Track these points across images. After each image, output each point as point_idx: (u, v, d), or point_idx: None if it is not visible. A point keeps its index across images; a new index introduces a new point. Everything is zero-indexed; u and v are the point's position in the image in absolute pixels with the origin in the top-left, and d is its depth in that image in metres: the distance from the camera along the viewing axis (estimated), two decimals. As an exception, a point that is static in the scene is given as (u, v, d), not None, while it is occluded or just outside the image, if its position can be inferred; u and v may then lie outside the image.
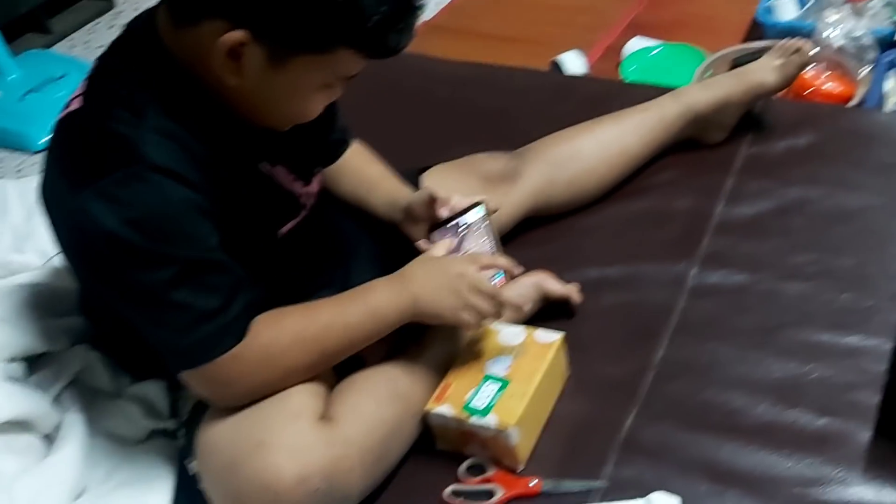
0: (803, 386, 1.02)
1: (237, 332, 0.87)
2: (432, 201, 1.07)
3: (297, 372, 0.92)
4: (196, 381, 0.89)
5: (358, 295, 0.96)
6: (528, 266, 1.20)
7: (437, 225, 1.08)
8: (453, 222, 1.08)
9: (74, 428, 0.98)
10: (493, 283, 1.00)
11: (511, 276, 1.04)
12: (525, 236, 1.30)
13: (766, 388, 1.02)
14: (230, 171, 0.92)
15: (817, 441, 0.95)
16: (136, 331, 0.89)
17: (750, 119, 1.41)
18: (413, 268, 0.98)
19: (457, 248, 1.05)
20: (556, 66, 1.88)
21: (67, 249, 0.93)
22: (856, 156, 1.34)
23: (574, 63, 1.87)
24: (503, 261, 1.03)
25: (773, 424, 0.98)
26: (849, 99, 1.64)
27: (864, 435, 0.94)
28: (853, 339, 1.06)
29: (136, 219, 0.82)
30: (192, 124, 0.87)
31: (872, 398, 0.98)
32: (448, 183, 1.16)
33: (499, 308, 0.98)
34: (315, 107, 0.92)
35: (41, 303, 1.09)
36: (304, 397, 0.92)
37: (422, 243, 1.07)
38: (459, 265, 0.97)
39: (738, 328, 1.11)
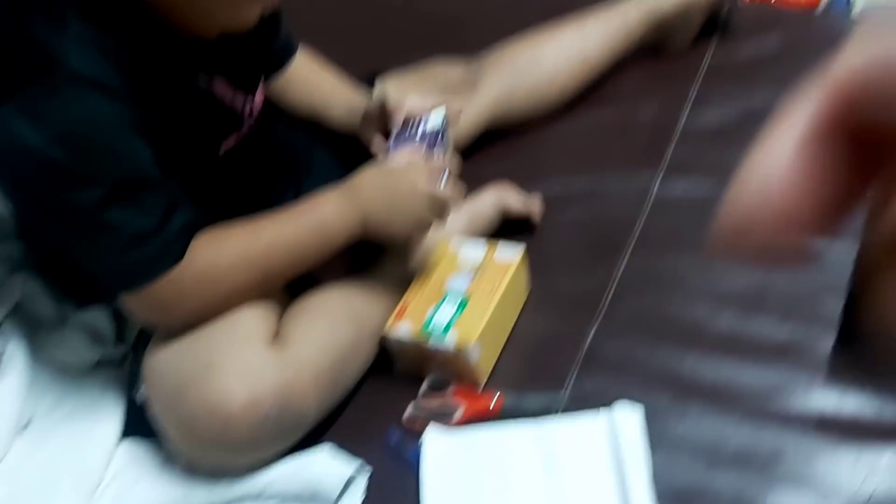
0: (767, 295, 1.00)
1: (174, 254, 0.83)
2: (384, 109, 1.02)
3: (240, 293, 0.88)
4: (134, 304, 0.85)
5: (304, 211, 0.92)
6: (489, 180, 1.17)
7: (397, 131, 1.04)
8: (413, 129, 1.03)
9: (16, 358, 0.94)
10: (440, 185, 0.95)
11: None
12: (485, 150, 1.25)
13: (730, 298, 1.01)
14: (163, 84, 0.85)
15: (780, 350, 0.94)
16: (69, 254, 0.84)
17: (715, 24, 1.36)
18: (362, 181, 0.93)
19: (411, 145, 1.00)
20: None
21: None
22: (822, 61, 1.30)
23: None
24: (451, 163, 0.98)
25: (736, 335, 0.97)
26: (815, 5, 1.59)
27: (827, 343, 0.93)
28: (818, 246, 1.04)
29: (61, 135, 0.75)
30: (120, 32, 0.80)
31: (836, 304, 0.97)
32: (405, 91, 1.10)
33: (446, 214, 0.95)
34: (249, 13, 0.86)
35: (-26, 229, 1.03)
36: (253, 319, 0.88)
37: (379, 151, 1.03)
38: (410, 178, 0.93)
39: (702, 239, 1.08)
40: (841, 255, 1.02)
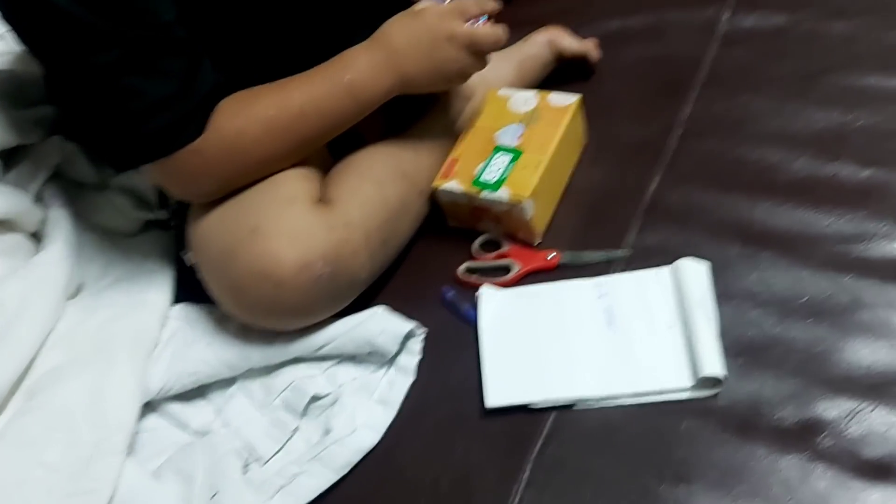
0: (846, 136, 0.92)
1: (197, 124, 0.77)
2: None
3: (271, 161, 0.83)
4: (159, 175, 0.81)
5: (335, 71, 0.84)
6: (540, 21, 1.09)
7: None
8: None
9: (61, 224, 0.92)
10: (477, 25, 0.87)
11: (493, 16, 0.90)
12: (534, -13, 1.16)
13: (805, 140, 0.93)
14: None
15: (860, 194, 0.87)
16: (92, 120, 0.79)
17: None
18: (393, 32, 0.85)
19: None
20: None
21: (15, 28, 0.82)
22: None
23: None
24: (491, 4, 0.89)
25: (812, 179, 0.90)
26: None
27: (912, 186, 0.86)
28: (902, 84, 0.95)
29: None
30: None
31: (923, 145, 0.89)
32: None
33: (488, 57, 0.88)
34: None
35: (5, 91, 0.99)
36: (297, 180, 0.84)
37: None
38: (444, 24, 0.84)
39: (775, 76, 1.00)
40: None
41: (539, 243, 0.94)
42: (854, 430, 0.72)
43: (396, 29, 0.85)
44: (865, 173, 0.89)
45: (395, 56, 0.84)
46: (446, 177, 0.93)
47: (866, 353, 0.76)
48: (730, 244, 0.87)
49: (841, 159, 0.90)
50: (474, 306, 0.89)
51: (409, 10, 0.87)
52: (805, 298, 0.81)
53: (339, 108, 0.84)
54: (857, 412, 0.73)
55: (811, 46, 1.02)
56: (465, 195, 0.92)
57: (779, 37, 1.04)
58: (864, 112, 0.93)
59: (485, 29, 0.86)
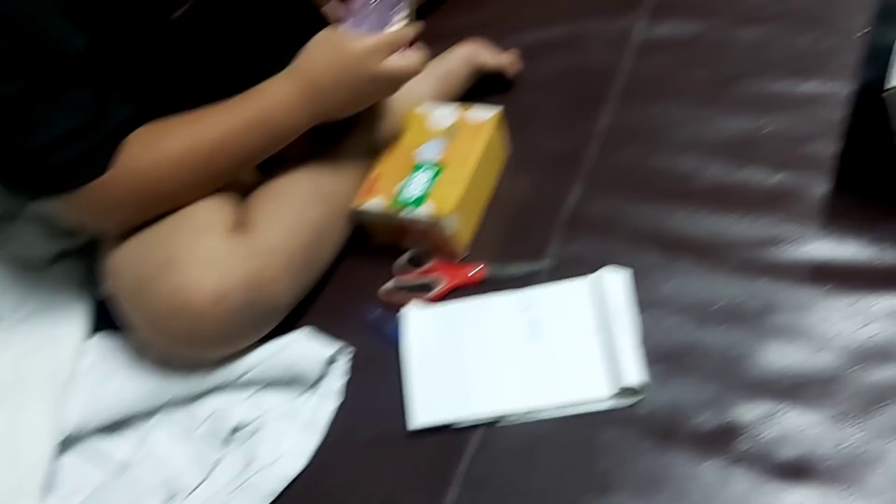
0: (758, 141, 0.94)
1: (104, 158, 0.76)
2: None
3: (185, 195, 0.82)
4: (66, 209, 0.79)
5: (253, 104, 0.83)
6: (459, 35, 1.09)
7: None
8: None
9: (-30, 257, 0.89)
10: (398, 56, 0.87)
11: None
12: (453, 2, 1.16)
13: (719, 147, 0.95)
14: None
15: (772, 199, 0.89)
16: None
17: None
18: (315, 69, 0.84)
19: (372, 20, 0.91)
20: None
21: None
22: None
23: None
24: (410, 32, 0.88)
25: (726, 186, 0.92)
26: None
27: (821, 188, 0.89)
28: (810, 86, 0.97)
29: None
30: None
31: (829, 148, 0.91)
32: None
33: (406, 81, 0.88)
34: None
35: None
36: (212, 208, 0.83)
37: (330, 7, 0.94)
38: (370, 65, 0.83)
39: (689, 84, 1.02)
40: (834, 95, 0.96)
41: (463, 258, 0.94)
42: (770, 432, 0.74)
43: (318, 66, 0.84)
44: (776, 178, 0.91)
45: (316, 92, 0.83)
46: (368, 195, 0.93)
47: (780, 356, 0.78)
48: (648, 252, 0.88)
49: (752, 165, 0.92)
50: (398, 325, 0.88)
51: (328, 39, 0.85)
52: (720, 304, 0.83)
53: (256, 142, 0.83)
54: (773, 414, 0.75)
55: (723, 53, 1.04)
56: (386, 213, 0.92)
57: (692, 45, 1.06)
58: (774, 117, 0.96)
59: (404, 62, 0.85)
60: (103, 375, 0.86)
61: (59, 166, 0.74)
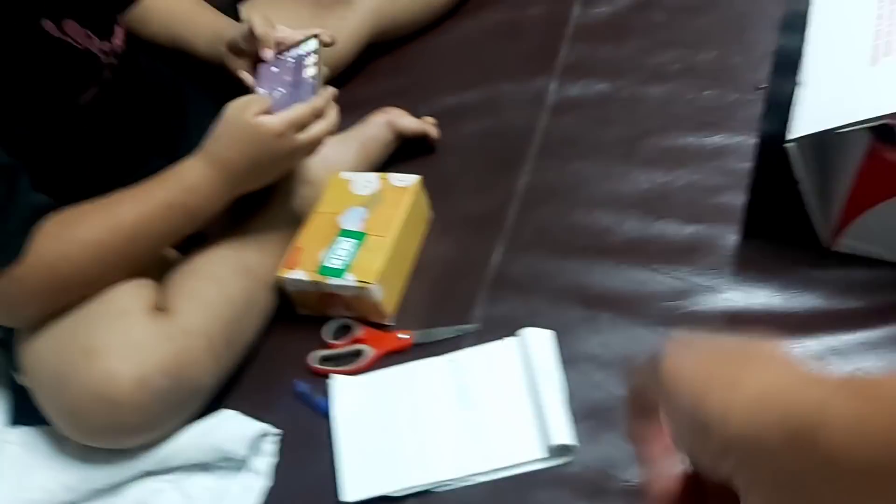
0: (670, 195, 0.97)
1: (13, 249, 0.74)
2: (252, 36, 0.93)
3: (99, 284, 0.81)
4: None
5: (167, 189, 0.82)
6: (377, 102, 1.11)
7: (266, 64, 0.95)
8: (282, 56, 0.95)
9: None
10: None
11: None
12: (370, 67, 1.18)
13: (633, 202, 0.98)
14: (5, 38, 0.75)
15: (686, 251, 0.92)
16: None
17: None
18: (230, 154, 0.83)
19: (285, 84, 0.92)
20: None
21: None
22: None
23: None
24: (320, 102, 0.87)
25: (642, 239, 0.94)
26: None
27: (732, 238, 0.92)
28: (717, 139, 1.01)
29: None
30: None
31: (738, 199, 0.95)
32: (274, 11, 1.01)
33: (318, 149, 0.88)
34: None
35: None
36: (129, 292, 0.81)
37: (244, 76, 0.94)
38: (286, 143, 0.83)
39: (602, 142, 1.05)
40: (739, 147, 1.00)
41: (390, 325, 0.94)
42: (697, 483, 0.75)
43: (231, 149, 0.83)
44: (689, 230, 0.94)
45: (231, 172, 0.83)
46: (291, 266, 0.93)
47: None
48: (571, 309, 0.90)
49: (666, 217, 0.95)
50: (327, 397, 0.88)
51: (238, 120, 0.84)
52: (645, 357, 0.84)
53: (173, 226, 0.83)
54: (699, 465, 0.76)
55: (633, 111, 1.07)
56: (311, 283, 0.92)
57: (603, 103, 1.09)
58: (684, 171, 0.99)
59: (318, 130, 0.85)
60: (23, 469, 0.83)
61: None
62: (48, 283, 0.77)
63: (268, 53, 0.93)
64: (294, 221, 0.97)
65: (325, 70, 0.91)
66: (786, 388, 0.30)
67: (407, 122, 1.08)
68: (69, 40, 0.83)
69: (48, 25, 0.81)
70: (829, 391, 0.28)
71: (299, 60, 0.92)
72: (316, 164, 1.01)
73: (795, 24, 1.02)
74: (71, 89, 0.85)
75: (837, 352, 0.81)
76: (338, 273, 0.90)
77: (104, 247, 0.79)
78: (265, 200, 0.97)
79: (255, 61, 0.96)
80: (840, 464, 0.26)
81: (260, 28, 0.93)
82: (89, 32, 0.86)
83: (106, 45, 0.88)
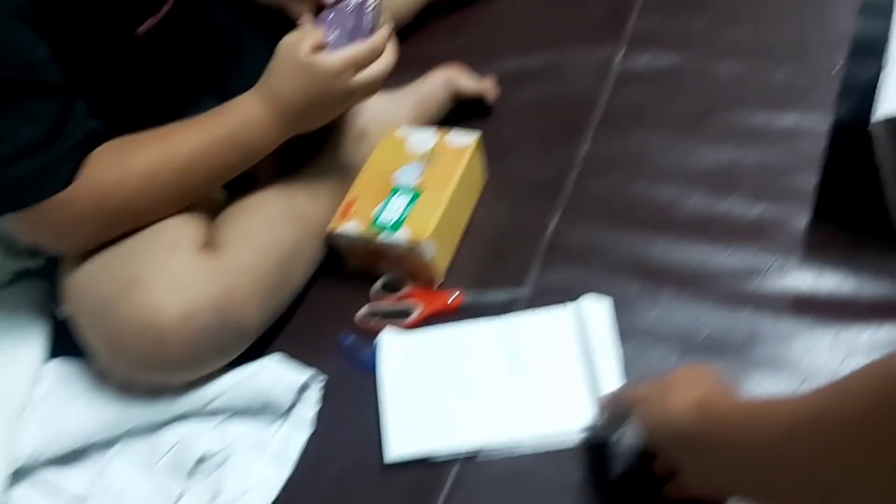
0: (738, 173, 0.94)
1: (66, 173, 0.72)
2: None
3: (151, 214, 0.79)
4: (24, 225, 0.75)
5: (223, 122, 0.80)
6: (438, 61, 1.08)
7: (327, 8, 0.93)
8: (342, 2, 0.92)
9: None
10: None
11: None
12: (432, 26, 1.16)
13: (699, 177, 0.94)
14: None
15: (753, 230, 0.88)
16: None
17: None
18: (286, 90, 0.80)
19: (344, 28, 0.89)
20: None
21: None
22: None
23: None
24: (379, 42, 0.84)
25: (707, 216, 0.91)
26: None
27: (802, 220, 0.88)
28: (789, 120, 0.97)
29: None
30: None
31: (810, 181, 0.91)
32: None
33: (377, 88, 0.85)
34: None
35: None
36: (180, 226, 0.79)
37: (305, 21, 0.92)
38: (343, 84, 0.80)
39: (668, 115, 1.01)
40: (812, 128, 0.96)
41: (440, 284, 0.91)
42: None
43: (288, 86, 0.80)
44: (757, 209, 0.90)
45: (287, 110, 0.81)
46: (343, 218, 0.90)
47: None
48: (630, 281, 0.87)
49: (733, 196, 0.92)
50: (374, 353, 0.85)
51: (296, 57, 0.81)
52: (704, 334, 0.81)
53: (227, 161, 0.81)
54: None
55: (702, 85, 1.04)
56: (363, 238, 0.89)
57: (671, 76, 1.05)
58: (753, 149, 0.95)
59: (375, 72, 0.82)
60: (60, 402, 0.81)
61: (17, 179, 0.71)
62: (99, 211, 0.75)
63: None
64: (347, 173, 0.94)
65: (385, 14, 0.88)
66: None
67: (466, 81, 1.05)
68: None
69: None
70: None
71: (360, 4, 0.90)
72: (371, 117, 0.99)
73: (876, 9, 0.99)
74: (128, 20, 0.83)
75: (909, 342, 0.78)
76: (390, 228, 0.88)
77: (158, 177, 0.77)
78: (318, 149, 0.95)
79: (317, 7, 0.93)
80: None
81: None
82: None
83: None
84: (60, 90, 0.72)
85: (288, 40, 0.81)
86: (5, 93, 0.68)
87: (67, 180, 0.73)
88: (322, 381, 0.84)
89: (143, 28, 0.84)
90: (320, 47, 0.81)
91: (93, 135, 0.75)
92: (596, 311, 0.83)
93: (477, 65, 1.08)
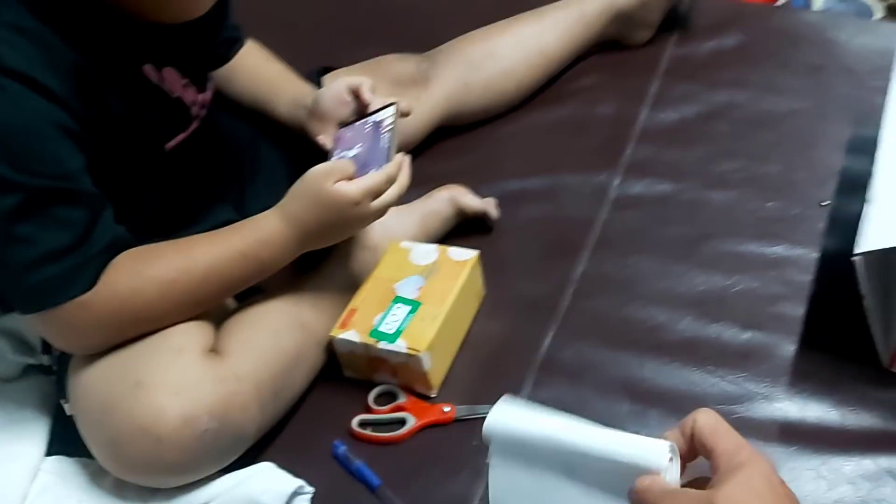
0: (727, 299, 0.97)
1: (88, 278, 0.76)
2: (340, 98, 0.97)
3: (165, 321, 0.82)
4: (42, 326, 0.79)
5: (243, 239, 0.84)
6: (443, 179, 1.13)
7: (343, 123, 0.99)
8: (361, 121, 0.98)
9: (-68, 369, 0.87)
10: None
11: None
12: (439, 147, 1.21)
13: (690, 302, 0.97)
14: (107, 78, 0.79)
15: (741, 356, 0.91)
16: None
17: (675, 17, 1.33)
18: (306, 216, 0.85)
19: (361, 147, 0.94)
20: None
21: None
22: (783, 57, 1.28)
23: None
24: (393, 171, 0.89)
25: (697, 340, 0.94)
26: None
27: (789, 348, 0.91)
28: (778, 249, 1.01)
29: None
30: (61, 22, 0.75)
31: (798, 309, 0.94)
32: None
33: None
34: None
35: None
36: (187, 331, 0.82)
37: (323, 139, 0.97)
38: (360, 211, 0.85)
39: (662, 240, 1.06)
40: (801, 258, 1.00)
41: (435, 396, 0.93)
42: None
43: (307, 211, 0.84)
44: (745, 335, 0.93)
45: (305, 232, 0.85)
46: (344, 326, 0.93)
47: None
48: (619, 402, 0.89)
49: (723, 321, 0.95)
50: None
51: (317, 184, 0.84)
52: (691, 458, 0.82)
53: (242, 274, 0.85)
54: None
55: (694, 213, 1.08)
56: (362, 345, 0.92)
57: (665, 203, 1.10)
58: (743, 277, 0.99)
59: (388, 199, 0.87)
60: (55, 499, 0.82)
61: (42, 282, 0.74)
62: (117, 315, 0.78)
63: (365, 94, 0.96)
64: (351, 283, 0.98)
65: (399, 137, 0.93)
66: None
67: (469, 199, 1.10)
68: (165, 87, 0.87)
69: (148, 70, 0.85)
70: None
71: (377, 125, 0.95)
72: (377, 231, 1.03)
73: (862, 146, 1.04)
74: (161, 135, 0.88)
75: (893, 474, 0.79)
76: (390, 338, 0.91)
77: (176, 286, 0.80)
78: (324, 259, 0.99)
79: (338, 125, 0.99)
80: None
81: (356, 81, 0.96)
82: (188, 82, 0.90)
83: (199, 97, 0.92)
84: (92, 198, 0.77)
85: (317, 171, 0.86)
86: (41, 200, 0.73)
87: (90, 284, 0.76)
88: (311, 491, 0.84)
89: (172, 143, 0.89)
90: (347, 178, 0.86)
91: (118, 241, 0.79)
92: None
93: (479, 185, 1.13)
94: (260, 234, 0.84)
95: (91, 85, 0.77)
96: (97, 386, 0.79)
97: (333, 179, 0.85)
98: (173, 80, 0.88)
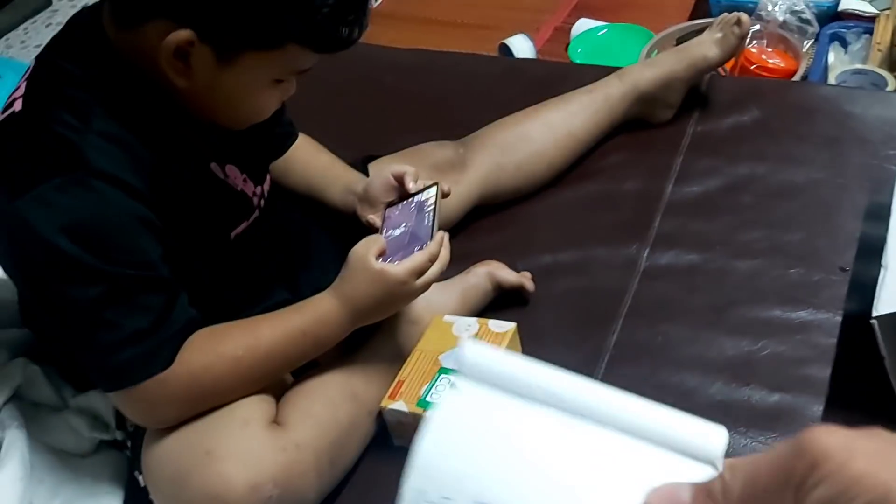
0: (756, 363, 1.02)
1: (166, 357, 0.84)
2: (389, 185, 1.05)
3: (231, 395, 0.89)
4: (121, 402, 0.87)
5: (302, 319, 0.92)
6: (480, 255, 1.20)
7: (389, 203, 1.07)
8: (406, 201, 1.06)
9: (16, 444, 0.95)
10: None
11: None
12: (475, 225, 1.28)
13: (720, 366, 1.02)
14: (180, 176, 0.89)
15: (771, 418, 0.95)
16: (64, 345, 0.85)
17: (696, 96, 1.41)
18: (358, 296, 0.92)
19: (406, 226, 1.02)
20: (505, 50, 1.87)
21: (3, 257, 0.90)
22: (801, 130, 1.35)
23: (522, 46, 1.86)
24: (435, 250, 0.96)
25: (728, 403, 0.98)
26: (793, 73, 1.66)
27: (817, 409, 0.95)
28: (803, 314, 1.06)
29: (73, 227, 0.78)
30: (141, 128, 0.84)
31: (824, 371, 0.99)
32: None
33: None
34: (269, 103, 0.91)
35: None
36: (252, 404, 0.89)
37: (372, 220, 1.06)
38: (407, 289, 0.93)
39: (690, 308, 1.11)
40: (824, 322, 1.05)
41: (479, 463, 0.98)
42: None
43: (359, 291, 0.92)
44: (774, 398, 0.97)
45: (357, 310, 0.92)
46: (393, 397, 0.99)
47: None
48: (656, 464, 0.93)
49: (752, 384, 0.99)
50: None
51: (367, 266, 0.91)
52: (726, 517, 0.86)
53: (302, 350, 0.92)
54: None
55: (721, 282, 1.14)
56: (410, 415, 0.98)
57: (692, 273, 1.16)
58: (769, 341, 1.04)
59: (432, 275, 0.95)
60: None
61: (124, 362, 0.82)
62: (190, 391, 0.85)
63: (409, 184, 1.04)
64: (397, 355, 1.04)
65: (440, 215, 1.01)
66: None
67: (505, 274, 1.17)
68: (230, 183, 0.96)
69: (215, 167, 0.94)
70: None
71: (420, 204, 1.04)
72: (420, 305, 1.09)
73: (879, 213, 1.10)
74: (227, 224, 0.98)
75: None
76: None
77: (242, 362, 0.88)
78: (372, 334, 1.06)
79: (385, 206, 1.08)
80: None
81: (401, 169, 1.05)
82: (246, 177, 0.99)
83: (258, 189, 1.01)
84: (169, 284, 0.85)
85: (358, 250, 0.94)
86: (126, 287, 0.81)
87: (167, 363, 0.84)
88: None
89: (236, 231, 0.98)
90: (381, 251, 0.94)
91: (192, 323, 0.87)
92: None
93: (515, 260, 1.19)
94: (317, 313, 0.92)
95: (167, 183, 0.86)
96: (170, 457, 0.86)
97: (373, 254, 0.93)
98: (235, 176, 0.97)
